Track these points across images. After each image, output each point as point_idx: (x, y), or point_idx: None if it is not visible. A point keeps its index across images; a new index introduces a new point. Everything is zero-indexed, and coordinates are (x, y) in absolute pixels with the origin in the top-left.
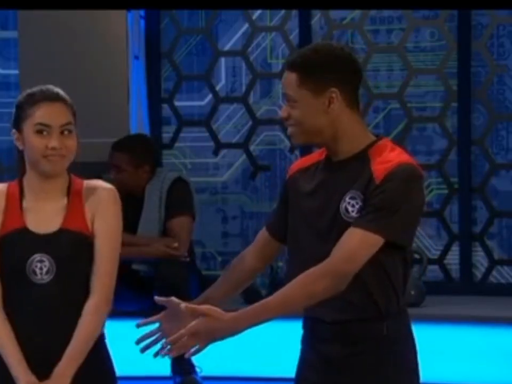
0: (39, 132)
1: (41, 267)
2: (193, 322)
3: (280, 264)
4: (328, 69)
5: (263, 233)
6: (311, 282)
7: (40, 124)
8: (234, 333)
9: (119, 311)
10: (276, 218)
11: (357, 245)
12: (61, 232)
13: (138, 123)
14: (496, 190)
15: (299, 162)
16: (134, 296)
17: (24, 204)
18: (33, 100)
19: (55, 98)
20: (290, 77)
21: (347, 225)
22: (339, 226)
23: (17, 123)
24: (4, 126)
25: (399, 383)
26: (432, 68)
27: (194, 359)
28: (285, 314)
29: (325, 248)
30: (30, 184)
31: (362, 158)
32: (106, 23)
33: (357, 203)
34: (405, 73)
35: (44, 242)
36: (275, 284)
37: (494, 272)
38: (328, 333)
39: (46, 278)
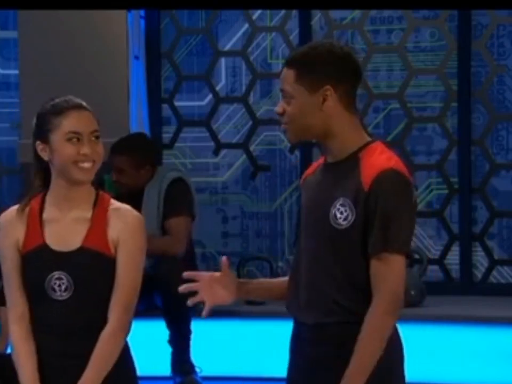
0: (70, 140)
1: (60, 284)
2: None
3: (280, 264)
4: (325, 67)
5: None
6: (381, 326)
7: (72, 132)
8: None
9: None
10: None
11: (392, 272)
12: (81, 250)
13: (138, 123)
14: (496, 190)
15: (308, 170)
16: None
17: (45, 216)
18: (60, 109)
19: (80, 106)
20: (288, 73)
21: (334, 230)
22: (327, 230)
23: (42, 134)
24: (4, 126)
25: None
26: (432, 67)
27: (194, 359)
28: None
29: (317, 250)
30: (54, 195)
31: (354, 160)
32: (106, 23)
33: (346, 211)
34: (405, 73)
35: (63, 260)
36: None
37: (494, 272)
38: (313, 335)
39: (65, 295)
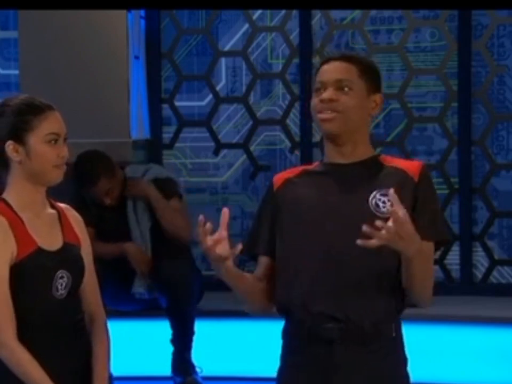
0: (49, 142)
1: (62, 283)
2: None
3: None
4: (379, 76)
5: (265, 263)
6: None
7: (52, 133)
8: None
9: (119, 311)
10: (267, 236)
11: (432, 260)
12: (66, 247)
13: (138, 123)
14: (496, 190)
15: (282, 174)
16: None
17: (25, 221)
18: (38, 110)
19: (53, 107)
20: (349, 67)
21: (376, 218)
22: (367, 220)
23: (17, 134)
24: None
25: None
26: (432, 68)
27: (194, 359)
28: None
29: (349, 243)
30: (21, 199)
31: (376, 161)
32: (106, 23)
33: (388, 200)
34: (405, 73)
35: (60, 259)
36: None
37: (494, 273)
38: (336, 333)
39: (64, 293)
